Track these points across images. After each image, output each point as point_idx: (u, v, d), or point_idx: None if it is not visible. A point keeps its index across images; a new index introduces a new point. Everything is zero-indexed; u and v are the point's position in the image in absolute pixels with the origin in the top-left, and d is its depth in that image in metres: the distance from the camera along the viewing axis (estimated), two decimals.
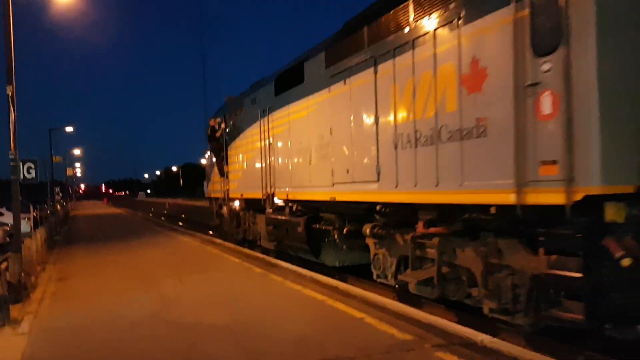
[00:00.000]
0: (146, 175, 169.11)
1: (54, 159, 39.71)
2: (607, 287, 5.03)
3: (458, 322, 6.63)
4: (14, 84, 10.61)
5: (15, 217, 10.97)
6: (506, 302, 6.23)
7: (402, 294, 8.36)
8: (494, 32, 5.84)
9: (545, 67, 5.23)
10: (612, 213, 4.87)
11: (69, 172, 60.73)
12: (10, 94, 10.54)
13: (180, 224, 30.06)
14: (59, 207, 38.74)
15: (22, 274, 9.77)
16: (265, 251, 13.53)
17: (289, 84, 11.50)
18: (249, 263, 11.88)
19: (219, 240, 16.80)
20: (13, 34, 10.74)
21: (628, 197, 4.82)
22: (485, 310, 6.56)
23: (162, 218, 39.52)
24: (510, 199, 5.59)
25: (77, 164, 70.62)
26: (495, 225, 6.30)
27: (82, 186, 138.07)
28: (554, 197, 5.12)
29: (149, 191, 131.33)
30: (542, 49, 5.25)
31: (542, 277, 5.55)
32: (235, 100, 16.04)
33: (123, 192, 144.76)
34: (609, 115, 4.77)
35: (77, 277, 11.47)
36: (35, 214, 19.34)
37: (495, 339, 5.60)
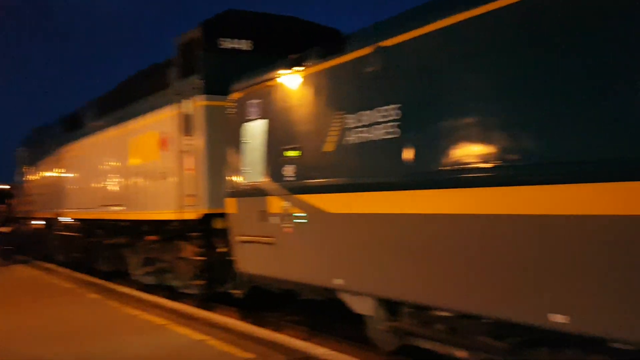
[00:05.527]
0: None
1: None
2: (215, 264, 9.81)
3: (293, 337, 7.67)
4: None
5: None
6: (185, 280, 10.82)
7: (248, 314, 9.57)
8: (171, 118, 10.50)
9: (188, 142, 9.97)
10: (216, 223, 9.66)
11: None
12: None
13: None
14: None
15: None
16: (106, 275, 14.32)
17: (73, 127, 15.61)
18: (85, 289, 12.84)
19: (52, 266, 17.66)
20: None
21: (223, 215, 9.62)
22: (176, 287, 11.10)
23: None
24: (175, 215, 10.22)
25: None
26: (180, 233, 10.89)
27: None
28: (192, 215, 9.82)
29: None
30: (187, 133, 9.99)
31: (191, 261, 10.23)
32: (38, 131, 19.63)
33: None
34: (211, 171, 9.57)
35: None
36: None
37: (332, 352, 6.66)
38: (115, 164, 13.03)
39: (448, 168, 5.42)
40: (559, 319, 4.41)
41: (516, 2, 4.86)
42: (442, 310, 5.75)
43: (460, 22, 5.37)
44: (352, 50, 6.63)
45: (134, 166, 12.09)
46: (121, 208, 12.67)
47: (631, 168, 4.01)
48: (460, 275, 5.31)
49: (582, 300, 4.32)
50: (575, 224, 4.34)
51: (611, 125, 4.19)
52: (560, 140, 4.49)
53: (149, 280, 12.27)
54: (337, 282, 6.90)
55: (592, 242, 4.25)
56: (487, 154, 5.04)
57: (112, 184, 13.17)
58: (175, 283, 11.19)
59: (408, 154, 5.81)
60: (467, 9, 5.28)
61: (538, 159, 4.63)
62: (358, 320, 7.13)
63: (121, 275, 14.28)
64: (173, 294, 11.34)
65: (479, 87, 5.22)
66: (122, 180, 12.61)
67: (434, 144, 5.58)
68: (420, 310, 6.03)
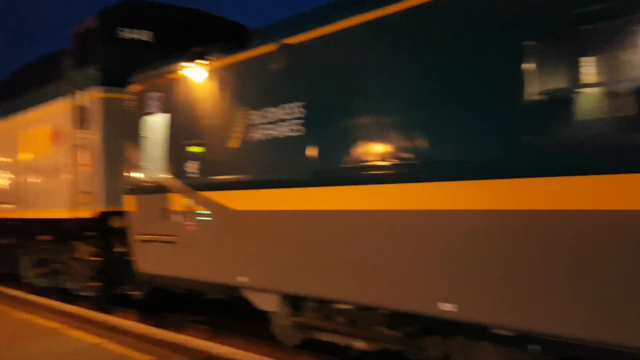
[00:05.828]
0: None
1: None
2: (112, 265, 9.48)
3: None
4: None
5: None
6: (80, 282, 10.36)
7: (148, 316, 9.36)
8: (64, 110, 10.02)
9: (84, 136, 9.55)
10: (114, 222, 9.33)
11: None
12: None
13: None
14: None
15: None
16: None
17: None
18: None
19: None
20: None
21: (121, 213, 9.30)
22: (71, 289, 10.60)
23: None
24: (70, 214, 9.75)
25: None
26: (75, 232, 10.40)
27: None
28: (87, 213, 9.42)
29: None
30: (82, 126, 9.57)
31: (87, 262, 9.82)
32: None
33: None
34: (108, 167, 9.24)
35: None
36: None
37: (236, 350, 6.77)
38: (4, 159, 12.23)
39: (348, 166, 5.60)
40: (447, 307, 4.70)
41: (411, 7, 5.12)
42: (343, 303, 5.93)
43: (360, 24, 5.57)
44: (257, 46, 6.66)
45: (25, 161, 11.41)
46: (11, 206, 11.92)
47: (494, 168, 4.41)
48: (359, 269, 5.50)
49: (467, 290, 4.63)
50: (457, 219, 4.66)
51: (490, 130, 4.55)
52: (448, 141, 4.79)
53: (42, 282, 11.63)
54: (242, 279, 6.90)
55: (474, 237, 4.58)
56: (386, 153, 5.26)
57: (1, 181, 12.36)
58: (70, 285, 10.69)
59: (311, 151, 5.93)
60: (365, 11, 5.49)
61: (428, 158, 4.92)
62: (262, 317, 7.19)
63: (12, 278, 13.47)
64: (68, 296, 10.82)
65: (377, 88, 5.44)
66: (12, 176, 11.88)
67: (335, 142, 5.74)
68: (323, 305, 6.19)
